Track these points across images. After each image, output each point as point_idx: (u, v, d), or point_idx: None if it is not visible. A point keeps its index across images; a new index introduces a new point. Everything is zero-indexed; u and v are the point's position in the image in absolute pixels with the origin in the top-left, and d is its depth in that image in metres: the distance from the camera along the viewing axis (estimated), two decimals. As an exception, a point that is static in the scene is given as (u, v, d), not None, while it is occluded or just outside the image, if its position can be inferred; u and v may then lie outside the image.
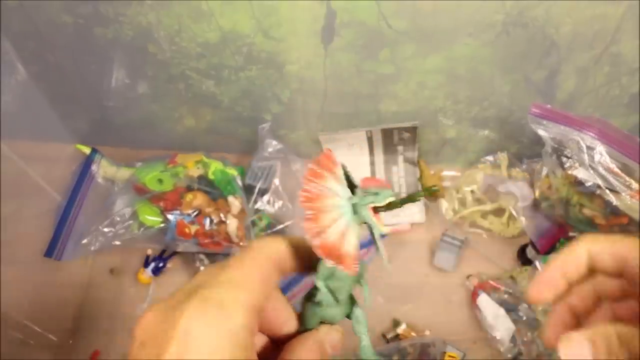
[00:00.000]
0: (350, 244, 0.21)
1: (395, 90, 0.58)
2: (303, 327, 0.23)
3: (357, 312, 0.24)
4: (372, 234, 0.22)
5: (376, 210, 0.22)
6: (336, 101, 0.61)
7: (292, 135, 0.68)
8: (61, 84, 0.60)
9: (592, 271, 0.23)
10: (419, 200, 0.68)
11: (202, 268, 0.63)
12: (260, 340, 0.23)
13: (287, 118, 0.64)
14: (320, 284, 0.22)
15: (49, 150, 0.65)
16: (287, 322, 0.23)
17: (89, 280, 0.63)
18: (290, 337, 0.23)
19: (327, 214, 0.21)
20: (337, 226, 0.21)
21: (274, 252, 0.21)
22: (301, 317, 0.23)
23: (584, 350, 0.19)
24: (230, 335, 0.18)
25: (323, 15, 0.49)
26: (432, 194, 0.69)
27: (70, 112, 0.65)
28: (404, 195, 0.70)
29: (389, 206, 0.21)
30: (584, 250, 0.23)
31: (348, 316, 0.24)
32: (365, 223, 0.22)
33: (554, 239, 0.64)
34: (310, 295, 0.23)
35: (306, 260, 0.22)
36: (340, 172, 0.22)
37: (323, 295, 0.22)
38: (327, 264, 0.20)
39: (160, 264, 0.63)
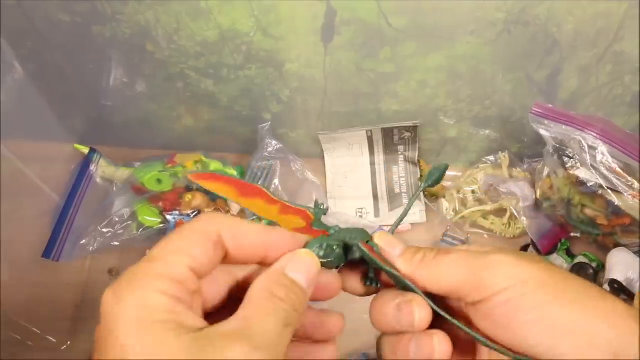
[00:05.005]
0: None
1: (395, 89, 0.58)
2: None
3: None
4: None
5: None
6: (336, 100, 0.60)
7: (292, 134, 0.67)
8: (59, 82, 0.59)
9: None
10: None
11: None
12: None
13: (287, 117, 0.64)
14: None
15: (46, 150, 0.65)
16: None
17: (87, 281, 0.63)
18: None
19: None
20: None
21: (207, 226, 0.21)
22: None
23: None
24: (137, 306, 0.17)
25: (323, 14, 0.49)
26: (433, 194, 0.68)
27: (68, 112, 0.65)
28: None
29: None
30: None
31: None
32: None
33: (555, 239, 0.63)
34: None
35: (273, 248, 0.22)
36: None
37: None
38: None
39: (159, 265, 0.63)
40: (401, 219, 0.26)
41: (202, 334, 0.17)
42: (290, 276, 0.21)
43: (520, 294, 0.20)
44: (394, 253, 0.24)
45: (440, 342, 0.21)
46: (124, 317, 0.17)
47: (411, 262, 0.24)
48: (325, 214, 0.25)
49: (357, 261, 0.24)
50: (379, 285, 0.24)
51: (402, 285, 0.23)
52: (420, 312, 0.22)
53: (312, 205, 0.25)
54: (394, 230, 0.26)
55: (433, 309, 0.22)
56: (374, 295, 0.24)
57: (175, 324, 0.17)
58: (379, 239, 0.24)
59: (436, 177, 0.26)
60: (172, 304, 0.18)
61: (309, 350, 0.23)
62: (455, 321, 0.22)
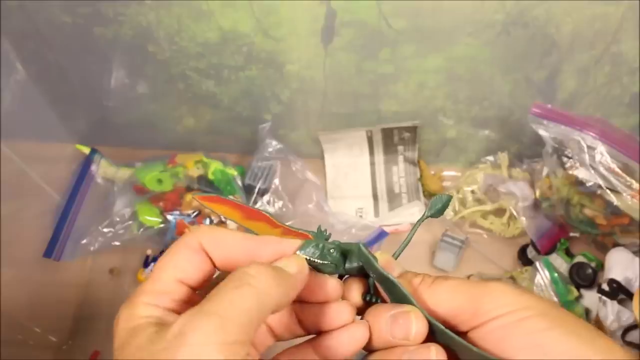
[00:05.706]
0: None
1: (395, 90, 0.58)
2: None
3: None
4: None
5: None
6: (336, 101, 0.61)
7: (292, 135, 0.68)
8: (61, 83, 0.60)
9: None
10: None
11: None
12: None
13: (287, 118, 0.64)
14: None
15: (48, 150, 0.65)
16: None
17: (88, 280, 0.63)
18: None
19: None
20: None
21: (188, 238, 0.22)
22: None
23: None
24: (126, 318, 0.20)
25: (323, 15, 0.49)
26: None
27: (69, 112, 0.65)
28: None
29: None
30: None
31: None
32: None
33: (554, 239, 0.64)
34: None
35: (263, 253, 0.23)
36: None
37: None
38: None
39: (160, 264, 0.63)
40: (404, 246, 0.26)
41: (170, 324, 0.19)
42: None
43: (519, 319, 0.20)
44: (392, 273, 0.24)
45: (438, 353, 0.21)
46: (117, 329, 0.20)
47: (409, 285, 0.23)
48: (327, 240, 0.25)
49: (354, 273, 0.24)
50: (378, 301, 0.24)
51: (397, 296, 0.23)
52: (418, 323, 0.21)
53: (314, 230, 0.25)
54: (397, 256, 0.26)
55: (429, 323, 0.22)
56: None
57: (150, 324, 0.19)
58: (379, 257, 0.24)
59: (439, 208, 0.26)
60: (151, 310, 0.20)
61: (333, 336, 0.23)
62: (451, 333, 0.21)
